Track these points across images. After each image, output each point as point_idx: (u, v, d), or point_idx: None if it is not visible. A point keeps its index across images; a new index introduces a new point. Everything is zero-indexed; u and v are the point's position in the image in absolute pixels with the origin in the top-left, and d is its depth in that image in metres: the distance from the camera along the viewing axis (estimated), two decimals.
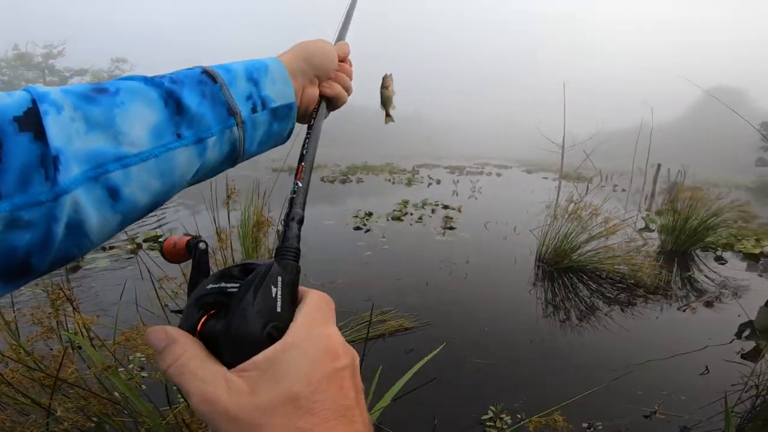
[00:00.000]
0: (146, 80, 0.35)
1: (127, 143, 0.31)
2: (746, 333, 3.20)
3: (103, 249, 4.91)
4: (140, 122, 0.32)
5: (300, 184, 0.38)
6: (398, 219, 6.90)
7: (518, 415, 2.08)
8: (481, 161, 34.36)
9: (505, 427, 2.00)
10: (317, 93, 0.53)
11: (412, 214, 7.43)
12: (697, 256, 5.52)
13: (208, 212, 2.95)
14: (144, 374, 1.96)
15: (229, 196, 2.37)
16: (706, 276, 4.68)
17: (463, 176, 17.33)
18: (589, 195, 5.76)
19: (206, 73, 0.40)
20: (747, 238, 6.33)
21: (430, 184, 13.73)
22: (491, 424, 2.03)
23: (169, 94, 0.35)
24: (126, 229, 5.93)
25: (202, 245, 0.36)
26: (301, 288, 0.31)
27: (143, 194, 0.33)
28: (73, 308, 1.26)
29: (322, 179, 14.31)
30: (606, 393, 2.25)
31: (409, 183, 13.74)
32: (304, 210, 0.36)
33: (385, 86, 0.71)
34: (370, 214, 6.98)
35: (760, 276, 4.89)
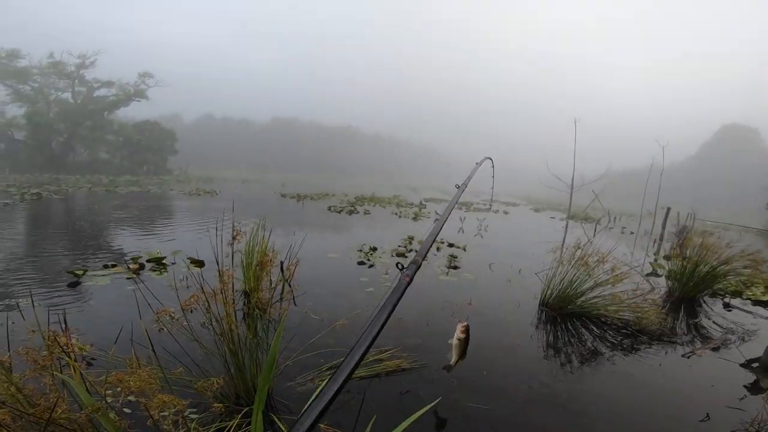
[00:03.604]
0: None
1: None
2: (754, 365, 3.17)
3: (105, 266, 4.95)
4: None
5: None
6: (402, 255, 6.89)
7: None
8: (489, 197, 34.42)
9: None
10: None
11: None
12: (705, 302, 5.43)
13: (212, 248, 2.99)
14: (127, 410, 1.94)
15: (234, 238, 2.43)
16: (714, 322, 4.60)
17: (470, 213, 17.36)
18: (597, 237, 5.73)
19: None
20: (756, 284, 6.25)
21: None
22: None
23: None
24: (131, 248, 5.99)
25: None
26: None
27: None
28: (68, 357, 1.28)
29: (329, 208, 14.45)
30: None
31: (416, 217, 13.79)
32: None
33: (462, 333, 0.81)
34: (374, 249, 6.99)
35: None
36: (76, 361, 1.34)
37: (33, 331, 1.46)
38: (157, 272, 4.87)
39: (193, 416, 2.05)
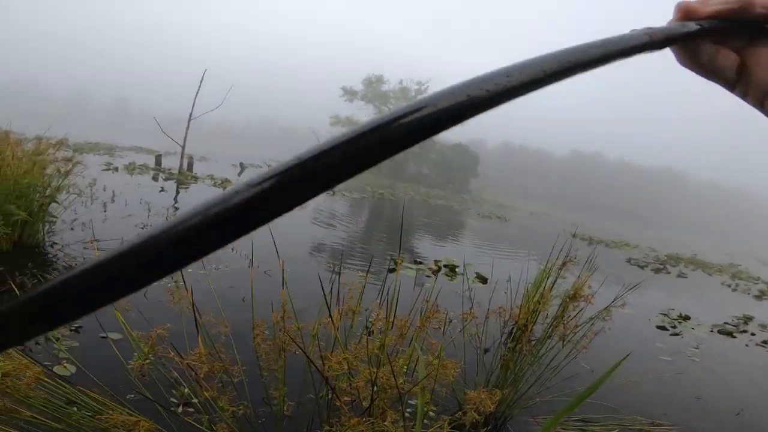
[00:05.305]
0: None
1: None
2: None
3: (415, 262, 6.10)
4: None
5: None
6: (729, 334, 5.25)
7: None
8: None
9: None
10: None
11: (754, 334, 5.49)
12: None
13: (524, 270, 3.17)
14: None
15: (564, 264, 2.53)
16: None
17: None
18: None
19: None
20: None
21: None
22: None
23: None
24: (428, 251, 7.13)
25: None
26: None
27: None
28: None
29: (628, 260, 12.44)
30: None
31: (761, 296, 10.08)
32: None
33: None
34: (686, 318, 5.61)
35: None
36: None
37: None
38: (449, 278, 5.61)
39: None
